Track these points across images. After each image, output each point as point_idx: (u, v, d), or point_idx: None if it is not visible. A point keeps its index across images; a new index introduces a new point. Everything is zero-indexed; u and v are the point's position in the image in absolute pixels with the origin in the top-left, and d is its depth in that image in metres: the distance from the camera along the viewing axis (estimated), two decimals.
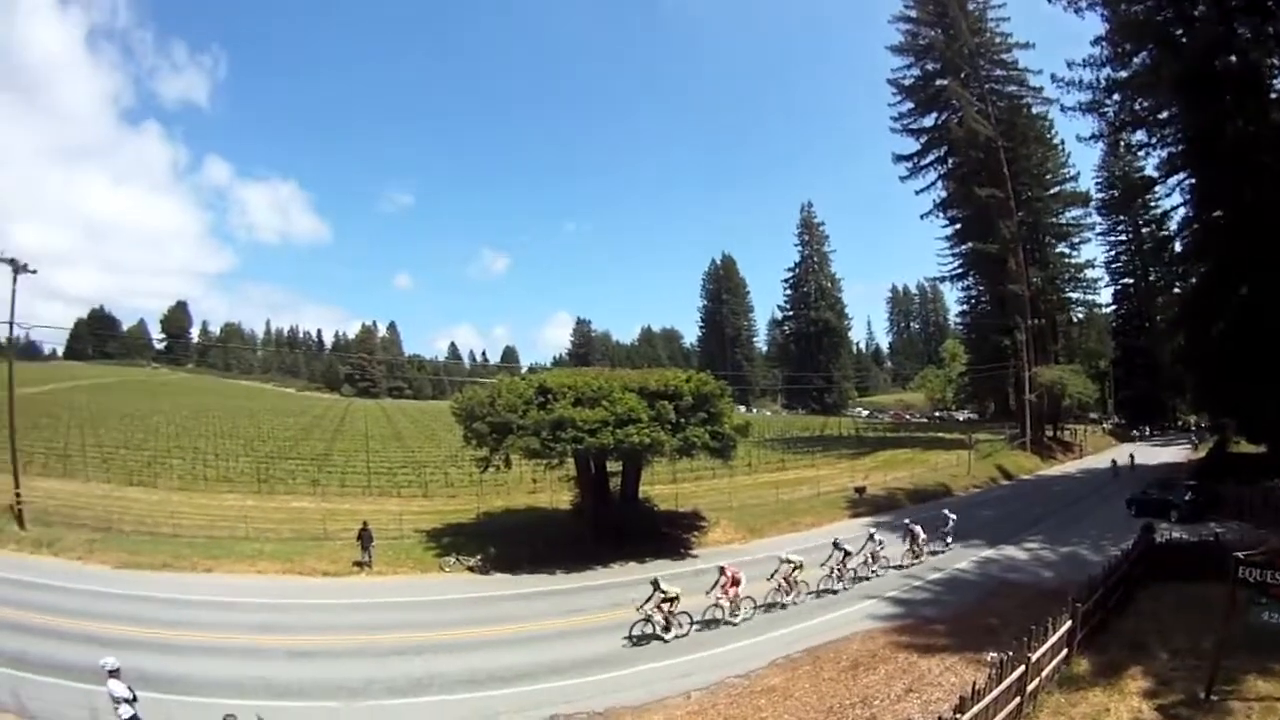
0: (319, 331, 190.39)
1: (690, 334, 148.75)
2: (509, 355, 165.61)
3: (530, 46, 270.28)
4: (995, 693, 8.86)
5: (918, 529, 21.96)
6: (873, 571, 20.24)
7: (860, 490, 33.38)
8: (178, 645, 15.46)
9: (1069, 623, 11.54)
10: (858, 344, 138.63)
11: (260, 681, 13.89)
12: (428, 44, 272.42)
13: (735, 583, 16.73)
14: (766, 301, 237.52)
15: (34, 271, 26.66)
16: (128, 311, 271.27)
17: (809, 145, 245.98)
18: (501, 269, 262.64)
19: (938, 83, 58.84)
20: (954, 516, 23.81)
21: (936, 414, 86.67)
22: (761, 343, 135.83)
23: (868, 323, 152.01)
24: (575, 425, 21.29)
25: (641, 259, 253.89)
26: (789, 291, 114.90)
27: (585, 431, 21.26)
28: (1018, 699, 9.61)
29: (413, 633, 16.86)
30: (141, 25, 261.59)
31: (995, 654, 10.44)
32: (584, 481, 25.78)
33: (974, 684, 8.86)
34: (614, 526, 24.13)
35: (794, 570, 18.08)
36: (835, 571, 19.16)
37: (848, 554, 19.42)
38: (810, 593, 18.55)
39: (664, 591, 15.74)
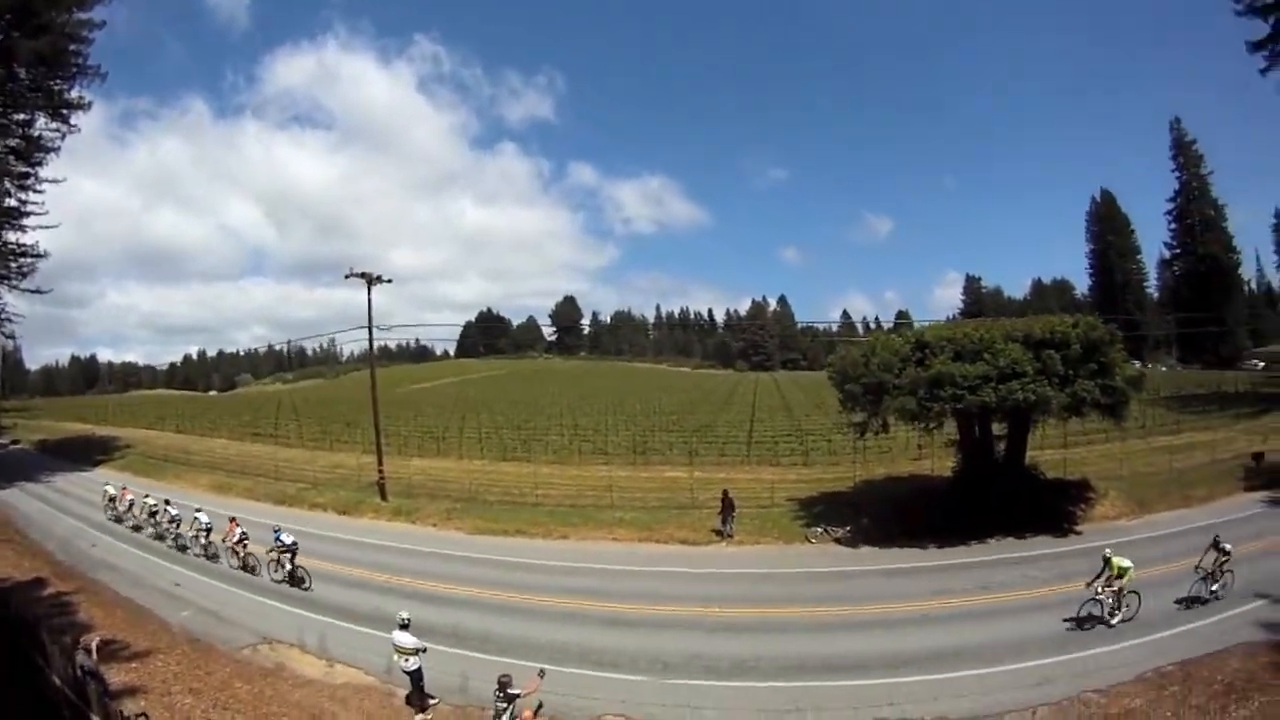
0: (709, 311, 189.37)
1: (1082, 284, 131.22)
2: (901, 318, 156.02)
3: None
4: None
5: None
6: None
7: (1258, 458, 27.52)
8: (502, 606, 15.83)
9: None
10: (1248, 283, 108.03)
11: (574, 647, 13.87)
12: (766, 15, 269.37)
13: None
14: (1155, 239, 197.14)
15: (388, 281, 29.03)
16: (516, 311, 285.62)
17: (1167, 50, 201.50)
18: (885, 231, 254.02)
19: None
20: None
21: None
22: (1154, 288, 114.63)
23: (1256, 258, 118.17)
24: (954, 382, 19.75)
25: (1021, 207, 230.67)
26: (1172, 225, 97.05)
27: (965, 389, 19.65)
28: None
29: (751, 608, 16.02)
30: (466, 65, 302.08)
31: None
32: (965, 446, 24.23)
33: None
34: (992, 496, 21.92)
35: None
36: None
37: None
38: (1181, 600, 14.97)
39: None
